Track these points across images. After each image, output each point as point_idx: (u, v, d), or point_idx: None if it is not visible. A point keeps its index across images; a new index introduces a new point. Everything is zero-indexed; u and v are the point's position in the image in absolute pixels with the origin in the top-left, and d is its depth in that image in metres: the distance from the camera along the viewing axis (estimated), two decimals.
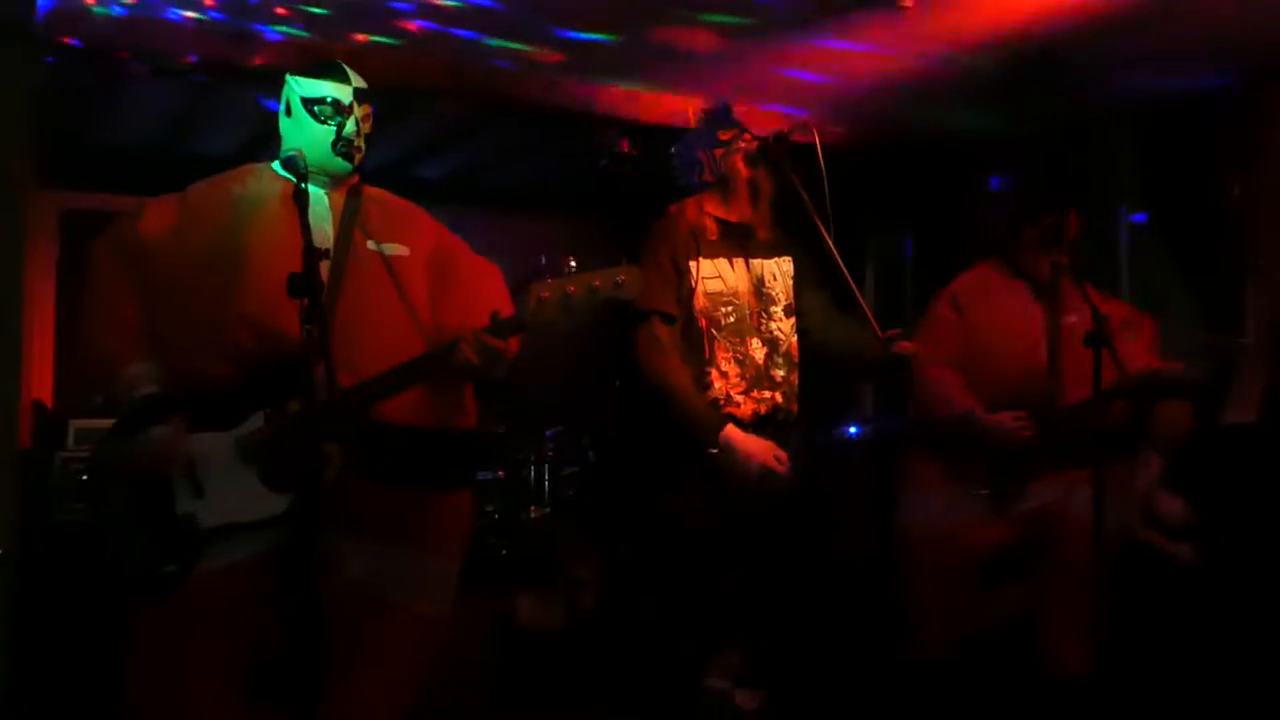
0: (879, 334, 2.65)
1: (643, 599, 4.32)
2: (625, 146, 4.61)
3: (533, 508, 4.81)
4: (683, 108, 4.35)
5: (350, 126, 2.30)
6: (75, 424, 3.95)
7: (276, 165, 2.35)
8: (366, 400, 2.10)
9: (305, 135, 2.30)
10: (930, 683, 3.27)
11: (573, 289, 2.02)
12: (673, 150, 2.97)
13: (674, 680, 2.78)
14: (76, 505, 3.70)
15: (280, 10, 3.49)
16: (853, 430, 5.21)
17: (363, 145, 2.35)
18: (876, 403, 5.55)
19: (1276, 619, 3.23)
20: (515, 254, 2.47)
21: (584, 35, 3.75)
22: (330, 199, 2.33)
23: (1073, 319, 3.20)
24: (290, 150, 2.25)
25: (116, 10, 3.43)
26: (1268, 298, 4.19)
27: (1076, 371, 3.09)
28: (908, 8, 3.29)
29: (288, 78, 2.36)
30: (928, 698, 3.26)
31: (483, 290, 2.38)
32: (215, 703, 2.13)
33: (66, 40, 3.45)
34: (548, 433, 5.07)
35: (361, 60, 3.81)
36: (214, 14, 3.53)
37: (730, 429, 2.64)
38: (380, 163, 5.87)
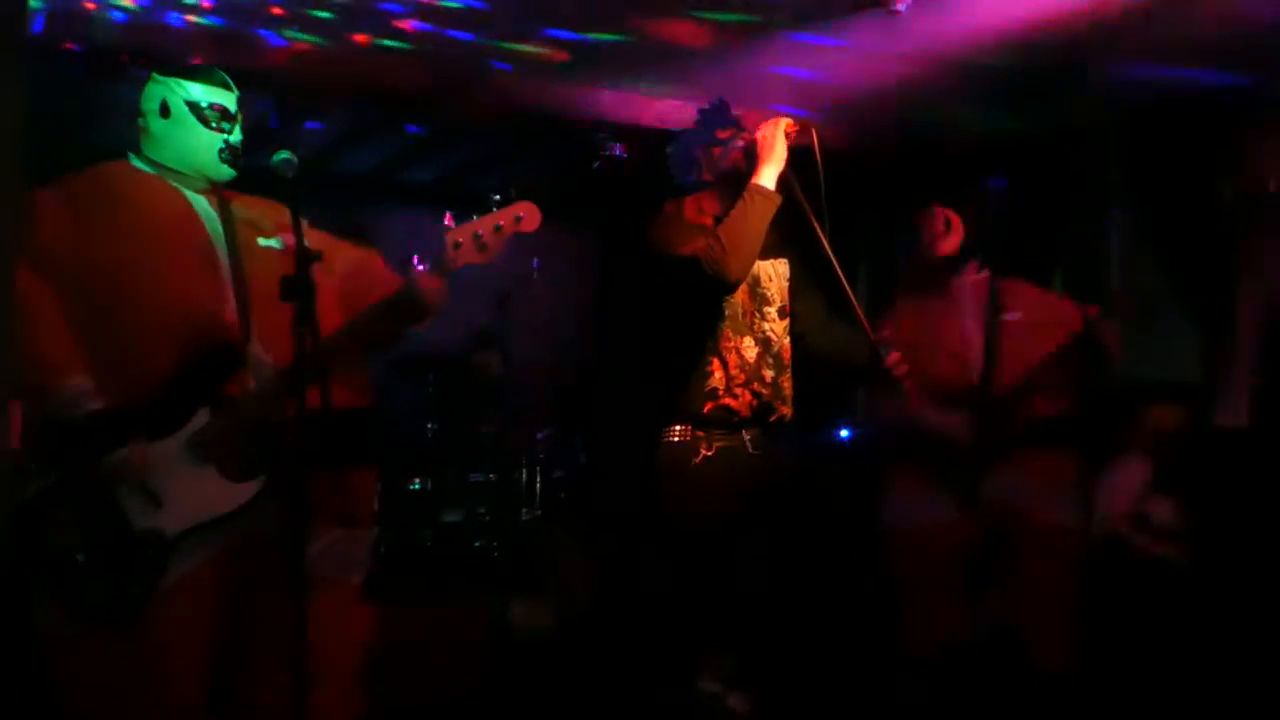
0: (871, 338, 2.65)
1: (634, 601, 4.32)
2: (617, 150, 4.61)
3: (524, 509, 4.81)
4: (676, 111, 4.36)
5: (236, 135, 2.35)
6: None
7: (133, 158, 2.36)
8: (320, 364, 2.08)
9: (188, 139, 2.31)
10: (921, 686, 3.27)
11: (480, 230, 2.19)
12: (669, 149, 2.96)
13: (665, 683, 2.78)
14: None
15: (277, 11, 3.50)
16: (844, 433, 5.21)
17: (242, 155, 2.37)
18: (866, 406, 5.56)
19: (1267, 620, 3.24)
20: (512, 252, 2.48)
21: (577, 36, 3.75)
22: (209, 201, 2.35)
23: (1012, 316, 3.29)
24: (283, 156, 2.25)
25: (116, 16, 3.43)
26: (1258, 299, 4.21)
27: (1014, 367, 3.21)
28: (900, 11, 3.30)
29: (163, 78, 2.34)
30: (919, 701, 3.27)
31: (374, 269, 2.46)
32: (190, 701, 2.15)
33: (68, 45, 3.46)
34: (539, 435, 5.08)
35: (352, 64, 3.87)
36: (213, 19, 3.53)
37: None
38: (371, 164, 5.89)
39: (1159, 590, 3.88)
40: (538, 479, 4.91)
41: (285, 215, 2.36)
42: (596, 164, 4.66)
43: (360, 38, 3.75)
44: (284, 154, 2.25)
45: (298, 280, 1.96)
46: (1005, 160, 4.97)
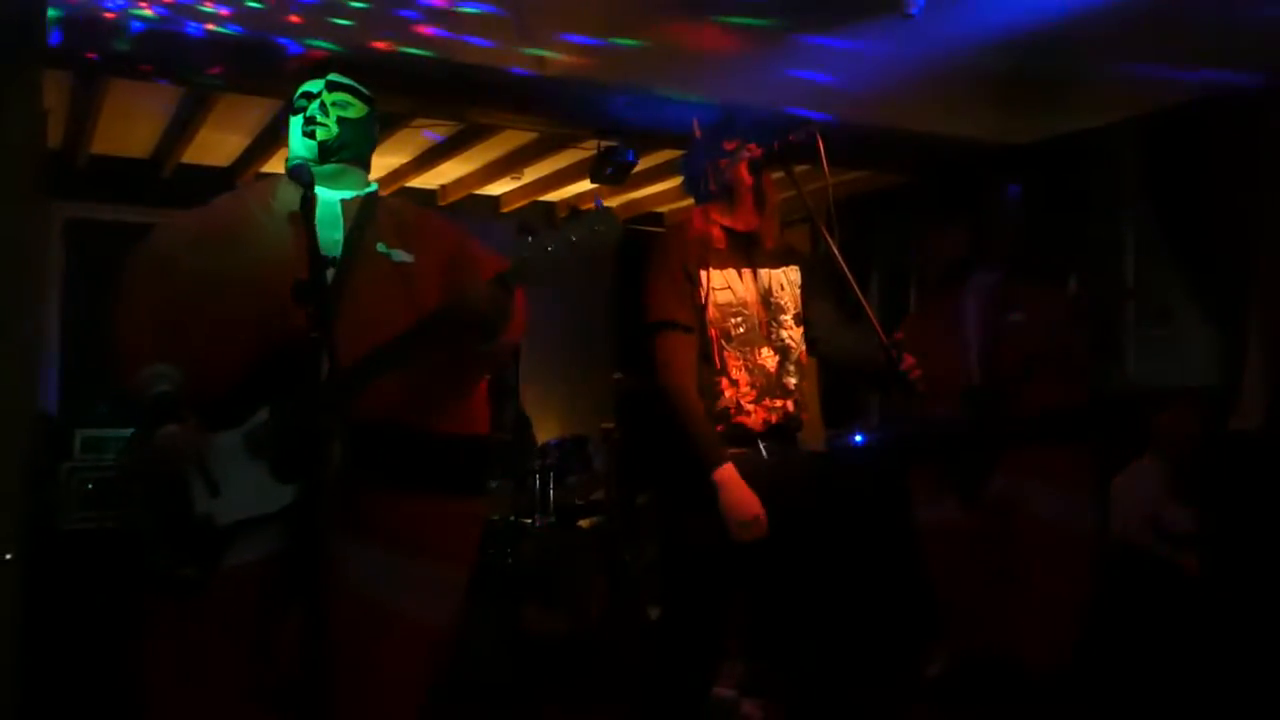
0: (883, 341, 2.64)
1: (649, 607, 4.32)
2: (629, 155, 4.63)
3: (536, 515, 4.82)
4: (688, 114, 4.37)
5: (314, 107, 2.37)
6: (81, 433, 3.96)
7: (290, 177, 2.37)
8: (366, 376, 2.11)
9: (290, 134, 2.40)
10: (938, 696, 3.27)
11: (552, 247, 2.11)
12: (680, 162, 2.98)
13: (680, 689, 2.77)
14: (83, 515, 3.72)
15: (294, 19, 3.52)
16: (858, 439, 5.21)
17: (329, 124, 2.36)
18: (882, 410, 5.55)
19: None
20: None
21: (592, 41, 3.77)
22: (343, 207, 2.36)
23: (1016, 317, 3.33)
24: (296, 159, 2.28)
25: (136, 26, 3.46)
26: (1272, 304, 4.19)
27: (1014, 367, 3.24)
28: (913, 15, 3.30)
29: None
30: (934, 711, 3.26)
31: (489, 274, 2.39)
32: (229, 704, 2.13)
33: (90, 55, 3.50)
34: (552, 441, 5.08)
35: (369, 69, 3.90)
36: (232, 27, 3.56)
37: (726, 470, 2.62)
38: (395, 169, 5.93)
39: (1174, 594, 3.86)
40: (550, 485, 4.91)
41: (426, 220, 2.46)
42: (609, 169, 4.67)
43: (381, 45, 3.78)
44: (294, 158, 2.28)
45: (310, 285, 1.95)
46: (1020, 164, 4.97)
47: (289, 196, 2.31)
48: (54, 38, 3.36)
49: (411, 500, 2.24)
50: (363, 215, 2.35)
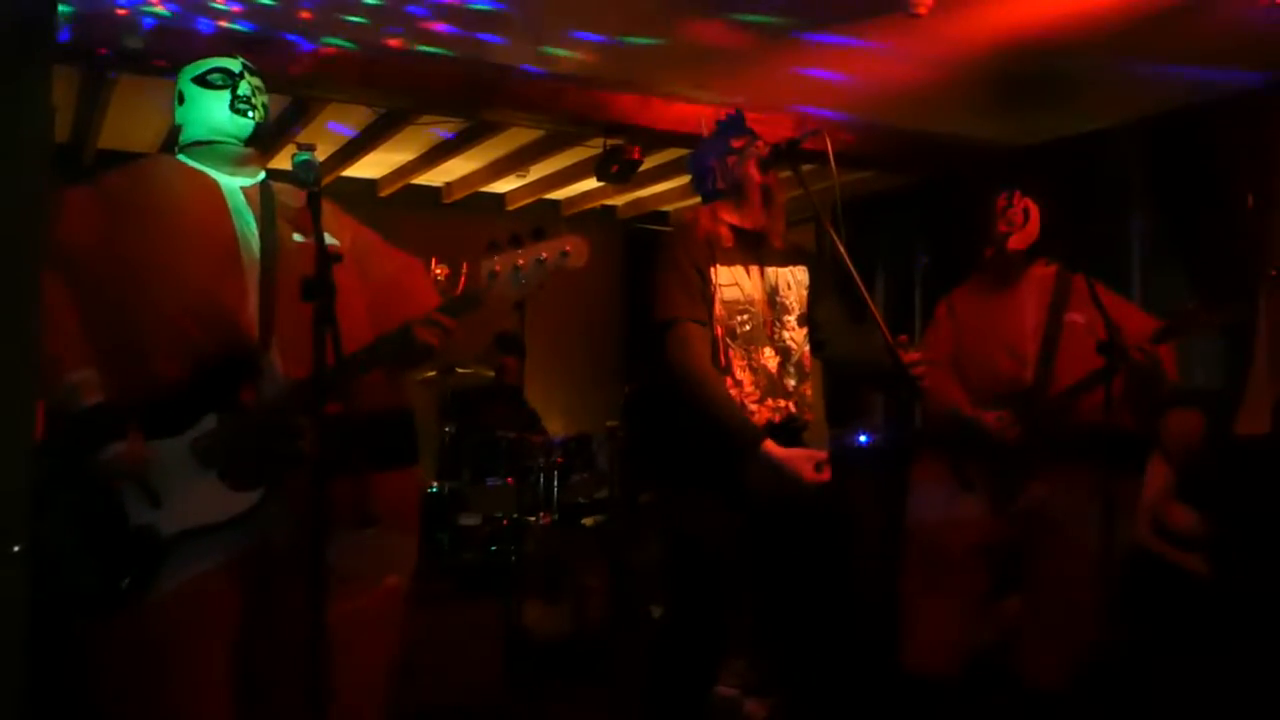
0: (890, 341, 2.64)
1: (652, 606, 4.32)
2: (635, 154, 4.63)
3: (541, 514, 4.82)
4: (694, 113, 4.38)
5: (244, 87, 2.30)
6: None
7: (183, 156, 2.32)
8: (324, 389, 2.04)
9: (201, 110, 2.29)
10: (935, 699, 3.24)
11: (521, 261, 2.09)
12: (689, 159, 2.97)
13: (683, 687, 2.77)
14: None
15: (305, 15, 3.52)
16: (862, 439, 5.20)
17: (259, 108, 2.32)
18: (887, 410, 5.55)
19: None
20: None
21: (598, 39, 3.76)
22: (245, 193, 2.29)
23: (1075, 317, 3.16)
24: (303, 158, 2.24)
25: (148, 21, 3.47)
26: (1278, 307, 4.18)
27: (1071, 369, 3.07)
28: (922, 14, 3.29)
29: (177, 75, 2.36)
30: (934, 713, 3.24)
31: (410, 283, 2.37)
32: (200, 708, 2.11)
33: (101, 51, 3.50)
34: (557, 440, 5.08)
35: (376, 68, 3.90)
36: (243, 24, 3.56)
37: (770, 444, 2.61)
38: (392, 168, 5.93)
39: (1180, 598, 3.85)
40: (555, 483, 4.91)
41: (334, 211, 2.37)
42: (615, 168, 4.66)
43: (393, 42, 3.77)
44: (304, 156, 2.23)
45: (318, 281, 1.90)
46: (1028, 164, 4.96)
47: (191, 178, 2.26)
48: (64, 34, 3.37)
49: (358, 479, 2.22)
50: (266, 200, 2.29)
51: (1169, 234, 4.60)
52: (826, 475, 2.59)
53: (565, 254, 2.11)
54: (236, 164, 2.31)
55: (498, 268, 2.09)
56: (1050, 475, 3.11)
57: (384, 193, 6.16)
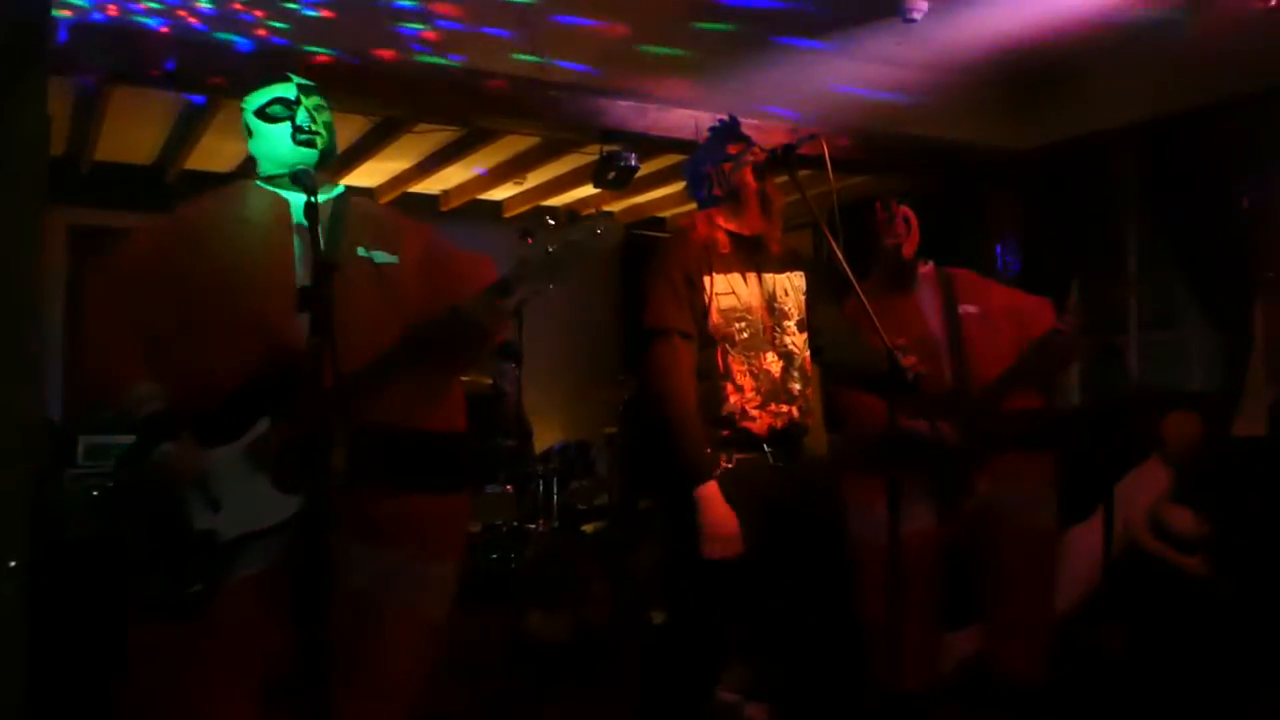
0: (888, 345, 2.63)
1: (653, 612, 4.31)
2: (631, 160, 4.63)
3: (540, 520, 4.81)
4: (690, 120, 4.38)
5: (302, 115, 2.31)
6: (85, 440, 3.96)
7: (259, 183, 2.36)
8: (368, 384, 2.10)
9: (266, 145, 2.33)
10: (933, 701, 3.23)
11: (553, 248, 2.10)
12: (684, 165, 2.97)
13: (684, 693, 2.77)
14: (88, 522, 3.71)
15: (298, 25, 3.53)
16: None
17: (323, 132, 2.33)
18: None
19: None
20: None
21: (595, 47, 3.77)
22: (322, 209, 2.26)
23: (968, 309, 3.21)
24: (297, 165, 2.26)
25: (142, 31, 3.48)
26: (1276, 309, 4.19)
27: (981, 361, 3.12)
28: (915, 20, 3.30)
29: (242, 107, 2.38)
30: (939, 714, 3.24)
31: (475, 278, 2.33)
32: (236, 715, 2.14)
33: (94, 63, 3.50)
34: (555, 446, 5.08)
35: (371, 75, 3.91)
36: (239, 37, 3.58)
37: (710, 488, 2.61)
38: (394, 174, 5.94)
39: (1178, 597, 3.86)
40: (554, 490, 4.91)
41: (397, 220, 2.43)
42: (612, 175, 4.66)
43: (386, 53, 3.78)
44: (300, 165, 2.24)
45: (315, 291, 1.90)
46: (1022, 168, 4.97)
47: (261, 200, 2.30)
48: (59, 43, 3.38)
49: (398, 499, 2.23)
50: (337, 215, 2.32)
51: (1165, 236, 4.61)
52: (721, 554, 2.58)
53: (598, 234, 2.12)
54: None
55: (529, 256, 2.10)
56: (990, 469, 3.12)
57: (382, 201, 6.17)
